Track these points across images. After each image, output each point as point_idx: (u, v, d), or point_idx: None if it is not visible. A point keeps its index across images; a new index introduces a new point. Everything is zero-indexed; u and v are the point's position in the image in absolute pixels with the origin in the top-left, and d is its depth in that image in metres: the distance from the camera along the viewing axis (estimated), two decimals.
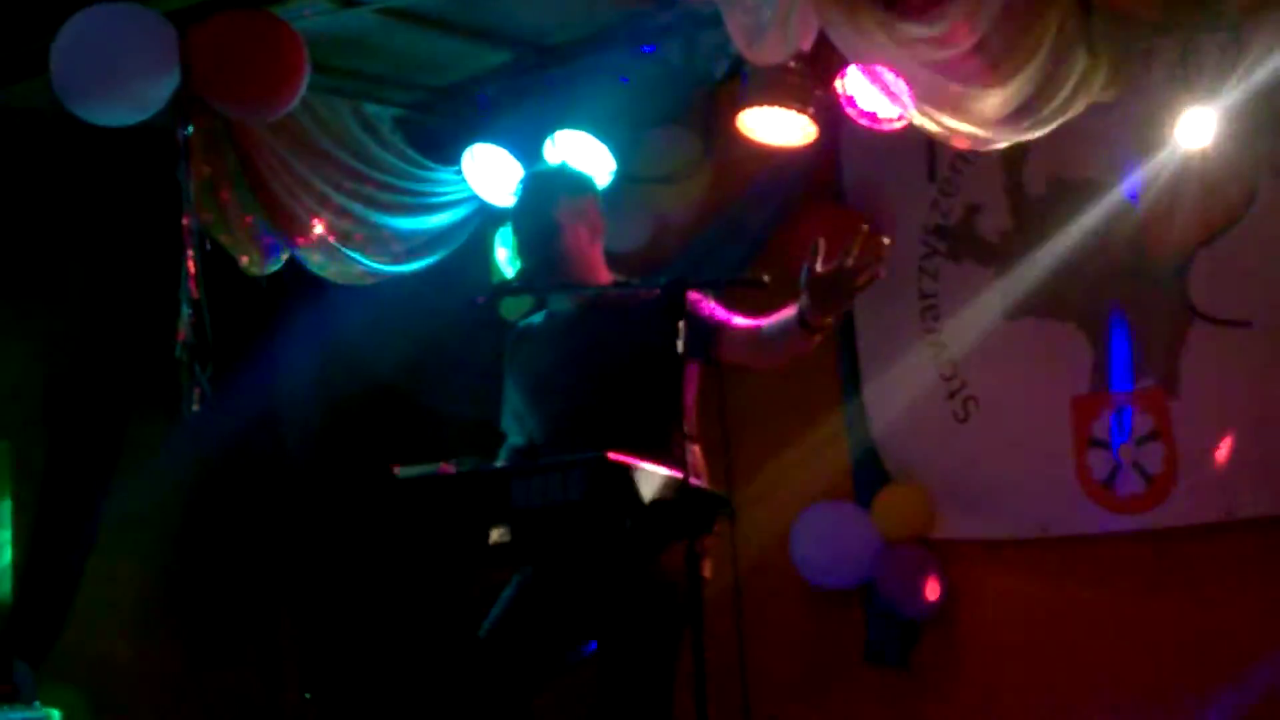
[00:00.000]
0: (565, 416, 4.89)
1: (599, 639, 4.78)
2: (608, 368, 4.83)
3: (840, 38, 5.21)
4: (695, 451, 4.80)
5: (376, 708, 7.29)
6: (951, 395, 7.10)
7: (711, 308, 4.83)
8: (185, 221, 5.66)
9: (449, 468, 4.66)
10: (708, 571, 4.73)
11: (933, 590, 7.02)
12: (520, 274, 5.16)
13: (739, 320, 4.81)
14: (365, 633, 7.83)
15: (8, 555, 7.00)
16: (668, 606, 4.58)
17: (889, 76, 5.65)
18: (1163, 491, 6.57)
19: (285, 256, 6.40)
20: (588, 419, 4.83)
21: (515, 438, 5.10)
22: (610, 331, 4.88)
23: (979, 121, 5.63)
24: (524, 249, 5.00)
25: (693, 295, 4.71)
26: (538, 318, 5.17)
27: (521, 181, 5.26)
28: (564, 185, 5.10)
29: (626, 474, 4.34)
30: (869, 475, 7.31)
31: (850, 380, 7.39)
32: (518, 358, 5.11)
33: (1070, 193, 6.80)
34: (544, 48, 6.71)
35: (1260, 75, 6.00)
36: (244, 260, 6.20)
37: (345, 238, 6.44)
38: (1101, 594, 6.70)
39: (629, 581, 4.67)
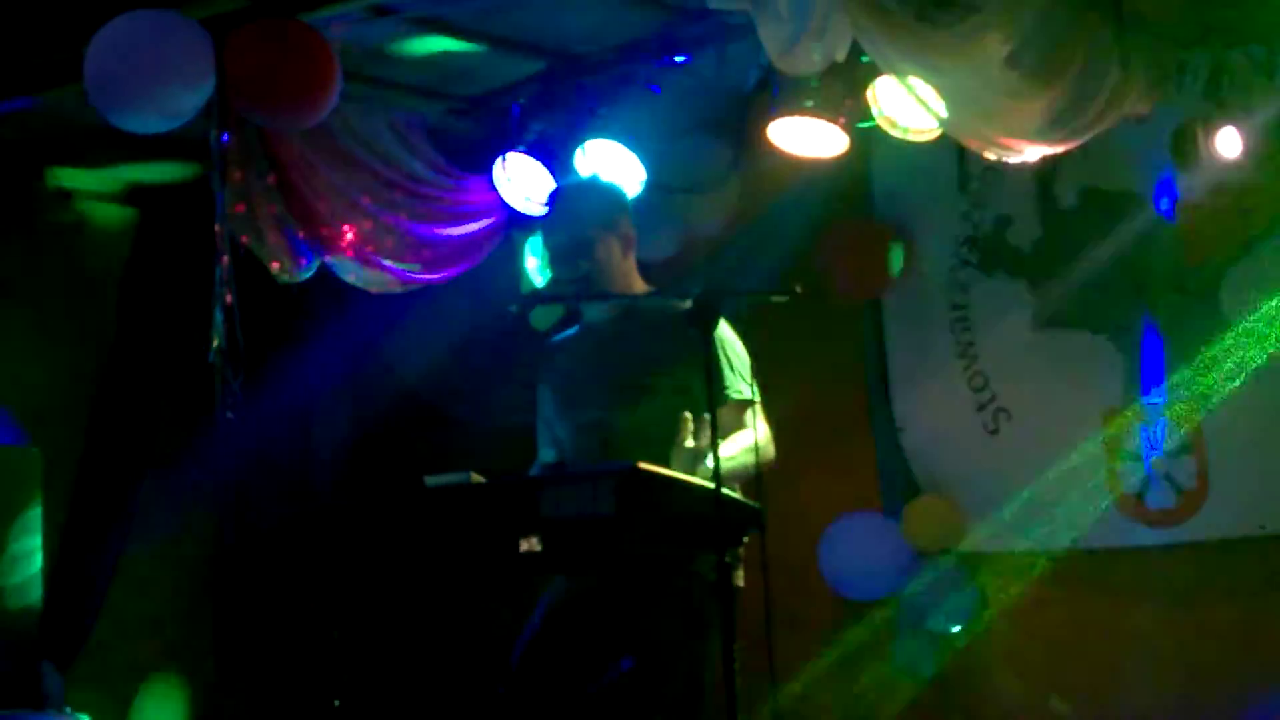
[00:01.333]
0: (596, 427, 4.90)
1: (632, 652, 4.78)
2: (640, 379, 4.83)
3: (873, 47, 5.20)
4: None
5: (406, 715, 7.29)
6: (982, 407, 7.08)
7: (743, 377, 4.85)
8: (218, 228, 5.66)
9: (479, 477, 4.67)
10: (740, 581, 4.73)
11: (962, 602, 7.01)
12: (551, 284, 5.16)
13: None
14: (396, 642, 7.84)
15: (38, 562, 7.02)
16: (699, 618, 4.57)
17: (921, 87, 5.64)
18: (1195, 504, 6.55)
19: (317, 264, 6.41)
20: (618, 430, 4.83)
21: (546, 448, 5.10)
22: (643, 343, 4.88)
23: (1011, 133, 5.62)
24: (557, 261, 5.01)
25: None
26: (572, 329, 5.17)
27: (554, 194, 5.28)
28: (596, 198, 5.11)
29: (658, 485, 4.34)
30: (898, 487, 7.29)
31: (880, 391, 7.38)
32: (550, 368, 5.11)
33: (1102, 204, 6.78)
34: (575, 57, 6.70)
35: None
36: (275, 267, 6.21)
37: (376, 246, 6.44)
38: (1132, 607, 6.67)
39: (661, 593, 4.66)
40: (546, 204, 5.19)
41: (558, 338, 5.21)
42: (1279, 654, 6.24)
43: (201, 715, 7.68)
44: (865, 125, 6.28)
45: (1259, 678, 6.25)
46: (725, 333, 4.92)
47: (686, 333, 4.44)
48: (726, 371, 4.89)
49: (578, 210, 5.03)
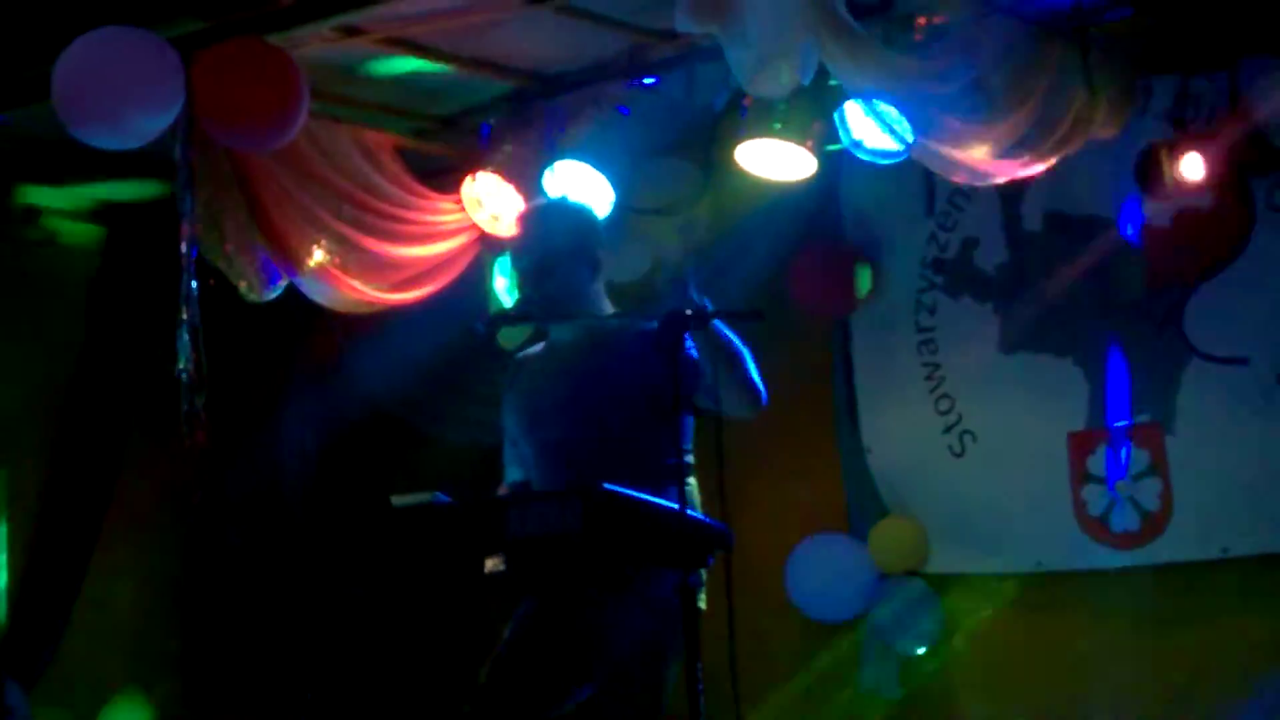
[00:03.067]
0: (561, 447, 4.89)
1: (595, 675, 4.77)
2: (605, 400, 4.83)
3: (840, 71, 5.23)
4: (691, 484, 4.80)
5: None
6: (948, 429, 7.10)
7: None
8: (183, 248, 5.65)
9: (444, 496, 4.67)
10: (703, 604, 4.73)
11: (928, 624, 7.03)
12: (519, 304, 5.17)
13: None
14: (362, 662, 7.83)
15: (2, 579, 7.00)
16: (663, 640, 4.58)
17: (889, 111, 5.66)
18: (1158, 527, 6.58)
19: (284, 283, 6.40)
20: (583, 450, 4.83)
21: (513, 466, 5.10)
22: (609, 364, 4.88)
23: (978, 156, 5.65)
24: (525, 281, 5.01)
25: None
26: (537, 348, 5.17)
27: (524, 216, 5.27)
28: (566, 219, 5.11)
29: (623, 506, 4.34)
30: (865, 508, 7.31)
31: (847, 412, 7.40)
32: (516, 388, 5.11)
33: (1068, 228, 6.82)
34: (546, 78, 6.72)
35: (1257, 112, 6.04)
36: (242, 285, 6.20)
37: (344, 265, 6.43)
38: (1097, 629, 6.71)
39: (625, 615, 4.67)
40: (516, 224, 5.18)
41: (522, 355, 5.20)
42: (1241, 677, 6.27)
43: None
44: (833, 148, 6.31)
45: (1220, 700, 6.28)
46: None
47: (653, 353, 4.45)
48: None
49: (547, 232, 5.03)
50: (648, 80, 6.51)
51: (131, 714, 7.59)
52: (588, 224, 5.12)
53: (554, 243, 4.94)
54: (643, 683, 4.69)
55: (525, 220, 5.16)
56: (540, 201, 6.16)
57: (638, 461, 4.65)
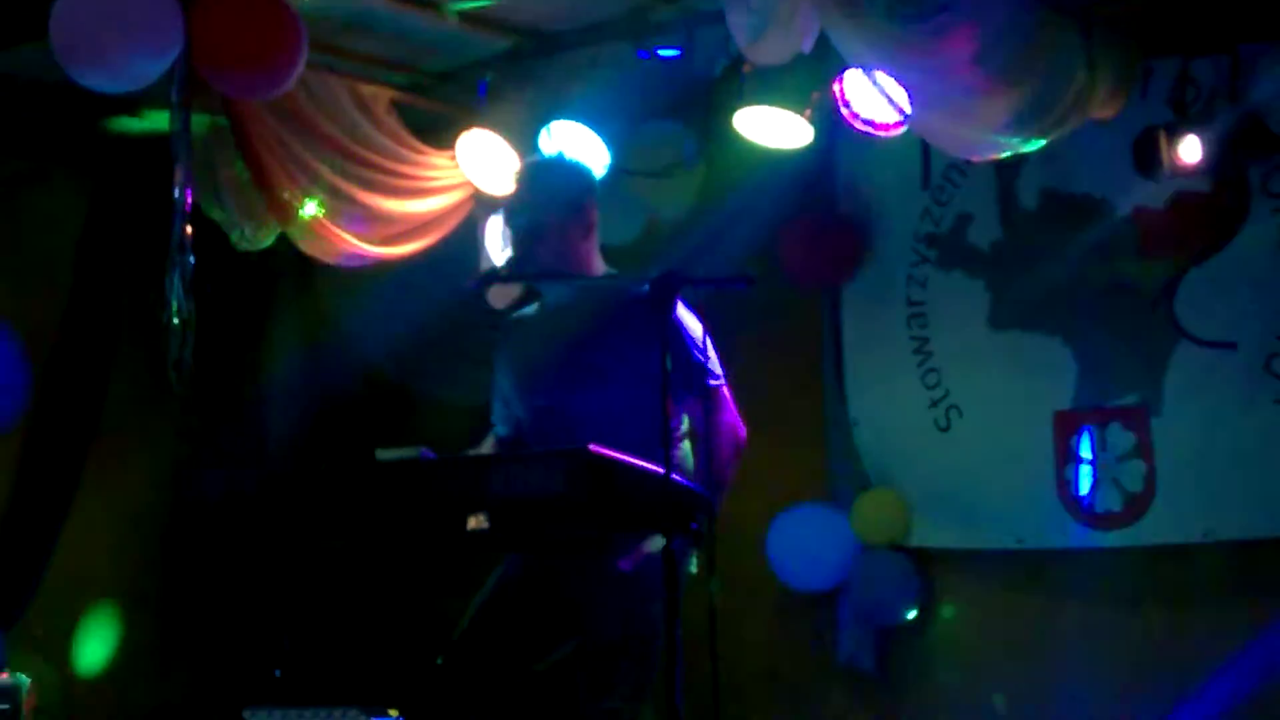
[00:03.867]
0: (551, 408, 4.89)
1: (576, 635, 4.78)
2: (597, 363, 4.83)
3: (842, 40, 5.21)
4: (683, 448, 4.80)
5: (345, 688, 7.28)
6: (934, 404, 7.10)
7: (707, 358, 4.83)
8: (175, 193, 5.62)
9: (429, 452, 4.66)
10: (694, 567, 4.74)
11: (907, 596, 7.04)
12: (511, 263, 5.15)
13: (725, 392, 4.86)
14: (341, 612, 7.83)
15: None
16: (648, 601, 4.58)
17: (888, 82, 5.65)
18: (1141, 509, 6.59)
19: (276, 232, 6.38)
20: (573, 412, 4.83)
21: (501, 425, 5.09)
22: (600, 326, 4.87)
23: (976, 131, 5.65)
24: (517, 239, 4.99)
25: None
26: (530, 308, 5.16)
27: (518, 173, 5.25)
28: (560, 177, 5.09)
29: (608, 468, 4.34)
30: (848, 479, 7.32)
31: (834, 383, 7.40)
32: (508, 348, 5.10)
33: (1062, 207, 6.82)
34: (545, 36, 6.69)
35: (1255, 97, 6.03)
36: (234, 234, 6.19)
37: (336, 217, 6.41)
38: (1076, 607, 6.73)
39: (606, 577, 4.67)
40: (511, 181, 5.16)
41: (515, 315, 5.19)
42: (1216, 658, 6.29)
43: (144, 680, 7.65)
44: (830, 118, 6.29)
45: (1196, 681, 6.30)
46: (685, 318, 4.89)
47: (645, 317, 4.44)
48: (696, 358, 4.86)
49: (541, 189, 5.01)
50: (656, 50, 6.47)
51: (103, 640, 7.59)
52: (583, 182, 5.10)
53: (548, 200, 4.93)
54: (628, 644, 4.69)
55: (520, 177, 5.14)
56: (535, 158, 6.14)
57: (629, 425, 4.64)
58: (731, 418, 4.95)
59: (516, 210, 5.03)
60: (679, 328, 4.76)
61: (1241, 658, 6.23)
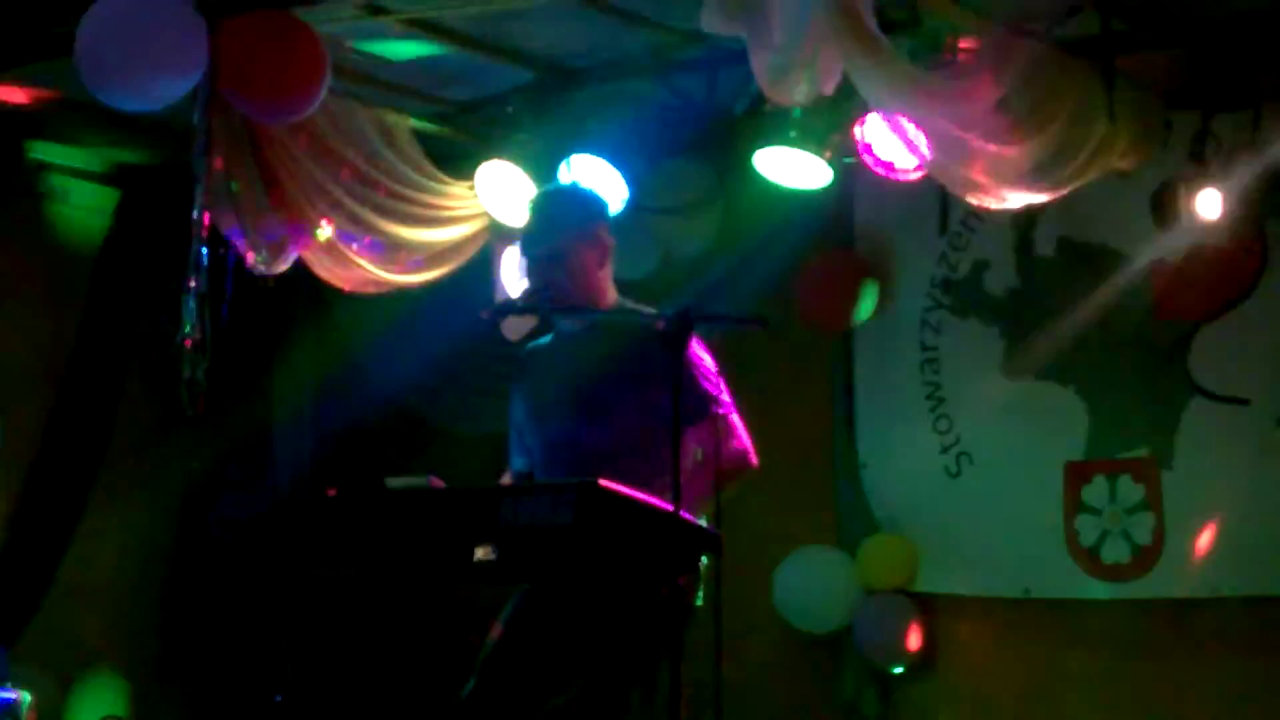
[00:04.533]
0: (564, 441, 4.88)
1: (585, 670, 4.77)
2: (608, 395, 4.82)
3: (864, 84, 5.21)
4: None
5: (347, 715, 7.28)
6: (945, 450, 7.10)
7: (717, 389, 4.82)
8: (195, 215, 5.63)
9: (439, 481, 4.66)
10: (700, 600, 4.73)
11: (912, 642, 7.02)
12: (526, 294, 5.15)
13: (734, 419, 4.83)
14: (344, 640, 7.81)
15: None
16: (652, 637, 4.56)
17: (909, 126, 5.65)
18: (1149, 562, 6.58)
19: (293, 258, 6.38)
20: (585, 445, 4.82)
21: (518, 456, 5.09)
22: (613, 359, 4.87)
23: (995, 179, 5.64)
24: (532, 269, 4.99)
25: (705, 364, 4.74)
26: (545, 340, 5.16)
27: (533, 201, 5.25)
28: (575, 207, 5.09)
29: (616, 502, 4.33)
30: (856, 522, 7.31)
31: (844, 426, 7.39)
32: (524, 380, 5.10)
33: (1079, 257, 6.82)
34: (567, 70, 6.71)
35: (1276, 154, 6.03)
36: (251, 257, 6.18)
37: (354, 244, 6.42)
38: (1080, 658, 6.71)
39: (614, 611, 4.66)
40: (526, 210, 5.16)
41: (531, 345, 5.19)
42: (1219, 714, 6.27)
43: (142, 702, 7.63)
44: (850, 160, 6.30)
45: None
46: (696, 350, 4.90)
47: (657, 351, 4.43)
48: (704, 387, 4.85)
49: (556, 218, 5.01)
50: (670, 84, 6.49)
51: (106, 690, 7.58)
52: (597, 210, 5.10)
53: (562, 229, 4.93)
54: (632, 680, 4.68)
55: (535, 205, 5.14)
56: (550, 187, 6.14)
57: (640, 458, 4.64)
58: (741, 444, 4.93)
59: (532, 238, 5.03)
60: (691, 360, 4.76)
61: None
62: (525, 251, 5.07)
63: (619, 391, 4.82)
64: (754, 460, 4.96)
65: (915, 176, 6.12)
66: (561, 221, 4.96)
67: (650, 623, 4.56)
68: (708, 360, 4.85)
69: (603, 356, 4.88)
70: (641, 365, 4.74)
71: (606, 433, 4.79)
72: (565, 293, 4.90)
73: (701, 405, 4.70)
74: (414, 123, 6.78)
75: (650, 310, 4.85)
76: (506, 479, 5.08)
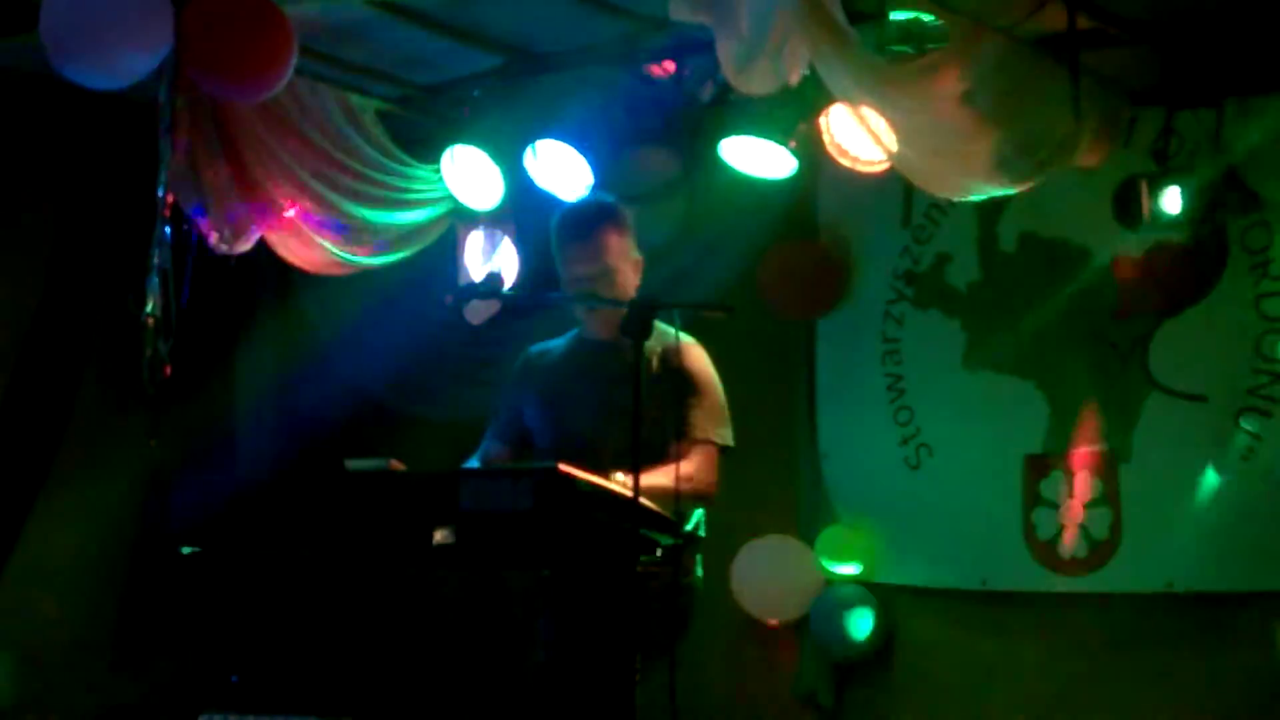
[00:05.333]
0: (584, 448, 4.94)
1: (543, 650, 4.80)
2: (628, 403, 4.88)
3: (829, 74, 5.22)
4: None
5: (304, 695, 7.27)
6: (905, 441, 7.12)
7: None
8: (159, 193, 5.62)
9: (399, 464, 4.67)
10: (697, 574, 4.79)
11: (868, 633, 7.04)
12: (487, 279, 5.17)
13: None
14: (301, 620, 7.80)
15: None
16: (616, 623, 4.59)
17: (874, 118, 5.67)
18: (1105, 556, 6.61)
19: (256, 238, 6.37)
20: (601, 445, 4.89)
21: (494, 441, 5.15)
22: (606, 361, 4.96)
23: (959, 172, 5.66)
24: (576, 282, 5.08)
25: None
26: (560, 340, 5.25)
27: (574, 219, 5.31)
28: (617, 223, 5.21)
29: (574, 488, 4.35)
30: (816, 512, 7.33)
31: (806, 415, 7.41)
32: (536, 375, 5.18)
33: (1041, 251, 6.84)
34: (534, 55, 6.70)
35: (1238, 152, 6.07)
36: (214, 237, 6.17)
37: (318, 225, 6.42)
38: (1037, 650, 6.74)
39: (572, 596, 4.68)
40: (568, 224, 5.26)
41: (541, 345, 5.28)
42: (1169, 708, 6.31)
43: (101, 680, 7.61)
44: (815, 151, 6.30)
45: None
46: (711, 375, 5.01)
47: (675, 365, 4.55)
48: (720, 415, 5.00)
49: (601, 238, 5.14)
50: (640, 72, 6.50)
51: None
52: (628, 225, 5.24)
53: (609, 248, 5.04)
54: (600, 662, 4.71)
55: (579, 225, 5.22)
56: (582, 202, 6.10)
57: (650, 459, 4.69)
58: (713, 480, 5.04)
59: (583, 257, 5.12)
60: (712, 382, 4.83)
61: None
62: (569, 271, 5.15)
63: (644, 398, 4.88)
64: (711, 495, 5.07)
65: (879, 168, 6.13)
66: (614, 243, 5.06)
67: (614, 609, 4.59)
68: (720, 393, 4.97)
69: (629, 364, 4.92)
70: (660, 373, 4.83)
71: (624, 435, 4.83)
72: (597, 292, 5.01)
73: (710, 422, 4.79)
74: (379, 105, 6.78)
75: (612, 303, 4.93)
76: (473, 463, 5.11)
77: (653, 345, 4.90)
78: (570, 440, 5.01)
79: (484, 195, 6.69)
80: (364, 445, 6.30)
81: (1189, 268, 6.46)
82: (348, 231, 6.55)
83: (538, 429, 5.13)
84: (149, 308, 5.51)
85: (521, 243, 6.94)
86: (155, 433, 7.09)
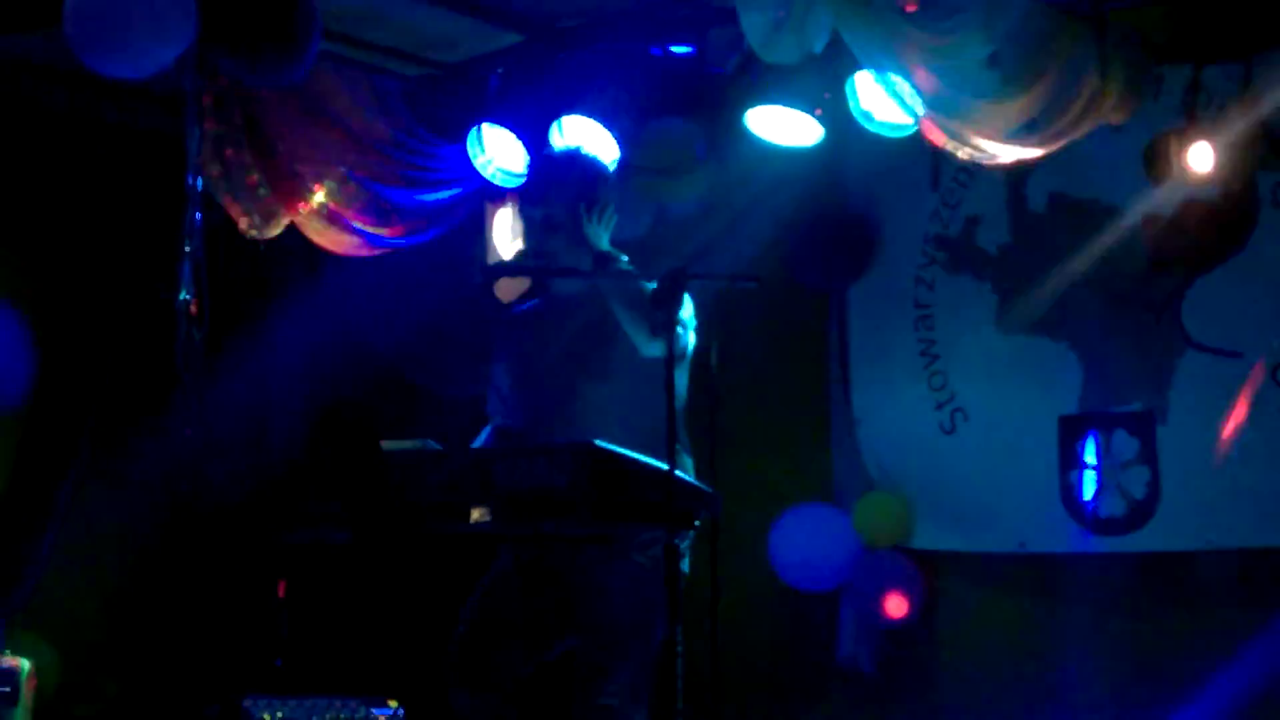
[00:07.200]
0: (557, 402, 4.90)
1: (577, 631, 4.79)
2: (606, 353, 4.84)
3: (854, 40, 5.20)
4: (683, 441, 4.80)
5: (346, 678, 7.29)
6: (940, 406, 7.10)
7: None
8: (189, 179, 5.63)
9: (435, 444, 4.67)
10: (686, 567, 4.74)
11: (908, 599, 7.04)
12: (521, 255, 5.16)
13: None
14: (343, 604, 7.83)
15: None
16: (648, 600, 4.58)
17: (900, 83, 5.64)
18: (1144, 516, 6.59)
19: (285, 222, 6.38)
20: (578, 405, 4.84)
21: (500, 417, 5.10)
22: (606, 319, 4.88)
23: (987, 134, 5.63)
24: (532, 231, 5.00)
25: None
26: (533, 303, 5.16)
27: (534, 164, 5.27)
28: (577, 170, 5.10)
29: (612, 463, 4.34)
30: (852, 480, 7.32)
31: (839, 384, 7.40)
32: (511, 341, 5.11)
33: (1071, 211, 6.81)
34: (558, 31, 6.69)
35: (1267, 107, 6.03)
36: (244, 223, 6.18)
37: (345, 207, 6.42)
38: (1076, 612, 6.73)
39: (609, 572, 4.67)
40: (526, 174, 5.18)
41: (518, 309, 5.19)
42: (1215, 665, 6.29)
43: (143, 665, 7.65)
44: (841, 118, 6.28)
45: (1194, 687, 6.30)
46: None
47: (652, 311, 4.45)
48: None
49: (554, 181, 5.03)
50: (681, 49, 6.47)
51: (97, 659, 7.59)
52: (599, 176, 5.11)
53: (564, 193, 4.94)
54: (628, 642, 4.70)
55: (537, 169, 5.16)
56: (553, 150, 6.14)
57: (633, 419, 4.65)
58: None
59: (532, 202, 5.04)
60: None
61: (1240, 663, 6.23)
62: (523, 214, 5.09)
63: (613, 352, 4.83)
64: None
65: (906, 133, 6.11)
66: (563, 185, 4.98)
67: (642, 585, 4.59)
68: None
69: (596, 317, 4.89)
70: (635, 323, 4.76)
71: (601, 392, 4.80)
72: (563, 255, 4.92)
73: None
74: (404, 85, 6.78)
75: (642, 272, 4.88)
76: (485, 438, 5.09)
77: None
78: (543, 404, 4.97)
79: (510, 173, 6.69)
80: (394, 425, 6.32)
81: (1220, 223, 6.42)
82: (375, 213, 6.56)
83: (516, 395, 5.10)
84: (183, 294, 5.52)
85: None
86: (190, 420, 7.11)
